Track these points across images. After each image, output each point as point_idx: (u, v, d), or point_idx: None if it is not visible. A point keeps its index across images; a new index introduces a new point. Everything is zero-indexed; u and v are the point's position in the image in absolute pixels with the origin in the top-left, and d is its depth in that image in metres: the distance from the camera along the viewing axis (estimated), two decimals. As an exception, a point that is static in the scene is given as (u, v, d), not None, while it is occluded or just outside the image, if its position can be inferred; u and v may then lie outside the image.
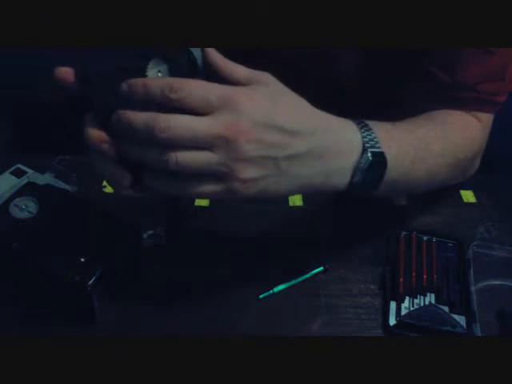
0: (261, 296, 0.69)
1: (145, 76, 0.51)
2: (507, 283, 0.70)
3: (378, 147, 0.57)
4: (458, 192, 0.82)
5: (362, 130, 0.57)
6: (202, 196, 0.52)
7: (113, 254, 0.64)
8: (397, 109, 0.76)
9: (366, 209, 0.78)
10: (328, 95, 0.79)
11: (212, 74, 0.52)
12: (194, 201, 0.79)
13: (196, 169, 0.49)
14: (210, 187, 0.51)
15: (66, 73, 0.53)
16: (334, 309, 0.68)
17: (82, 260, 0.62)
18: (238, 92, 0.50)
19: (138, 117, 0.49)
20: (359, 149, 0.56)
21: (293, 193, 0.56)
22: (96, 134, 0.51)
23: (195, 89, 0.49)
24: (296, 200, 0.80)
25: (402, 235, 0.73)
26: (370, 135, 0.57)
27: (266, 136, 0.50)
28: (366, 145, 0.56)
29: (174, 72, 0.52)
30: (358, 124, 0.58)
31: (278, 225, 0.77)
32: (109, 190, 0.80)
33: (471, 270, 0.69)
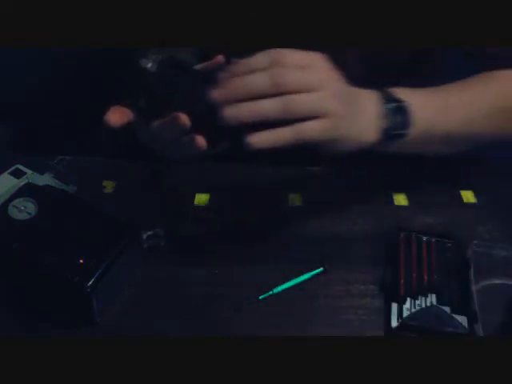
0: (260, 297, 0.68)
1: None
2: (508, 282, 0.70)
3: (395, 97, 0.65)
4: (459, 192, 0.82)
5: (377, 90, 0.65)
6: (305, 133, 0.58)
7: (112, 255, 0.64)
8: None
9: (366, 209, 0.78)
10: None
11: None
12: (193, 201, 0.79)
13: (308, 107, 0.58)
14: (312, 124, 0.58)
15: (115, 117, 0.60)
16: (334, 310, 0.68)
17: (82, 261, 0.62)
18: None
19: (260, 78, 0.57)
20: (378, 101, 0.64)
21: (355, 141, 0.63)
22: (169, 118, 0.59)
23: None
24: (296, 200, 0.80)
25: (402, 235, 0.73)
26: (385, 92, 0.65)
27: (342, 81, 0.61)
28: (382, 96, 0.65)
29: (157, 57, 0.61)
30: (373, 88, 0.66)
31: (277, 225, 0.77)
32: (108, 190, 0.80)
33: (471, 270, 0.69)
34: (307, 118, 0.58)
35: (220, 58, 0.61)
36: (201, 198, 0.79)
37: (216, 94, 0.57)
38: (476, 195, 0.81)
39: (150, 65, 0.60)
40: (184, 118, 0.58)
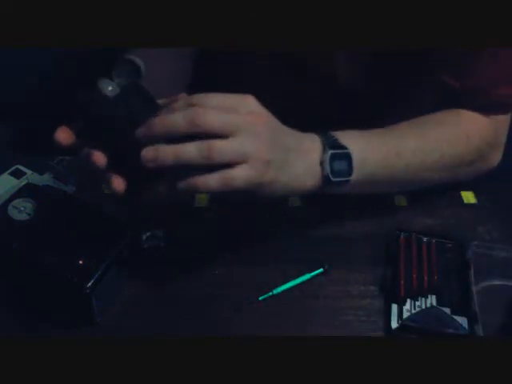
0: (260, 298, 0.68)
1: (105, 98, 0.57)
2: (508, 283, 0.70)
3: (338, 143, 0.65)
4: (459, 193, 0.82)
5: (321, 135, 0.65)
6: (232, 183, 0.57)
7: (112, 255, 0.64)
8: (399, 115, 0.77)
9: (366, 210, 0.78)
10: (330, 99, 0.80)
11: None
12: (193, 201, 0.79)
13: (228, 154, 0.56)
14: (238, 171, 0.57)
15: (64, 137, 0.58)
16: (334, 311, 0.68)
17: (81, 261, 0.62)
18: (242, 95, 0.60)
19: (178, 117, 0.56)
20: (320, 147, 0.64)
21: (288, 186, 0.62)
22: (86, 152, 0.58)
23: (210, 98, 0.58)
24: (296, 200, 0.79)
25: (402, 236, 0.73)
26: (328, 137, 0.65)
27: (274, 124, 0.61)
28: (325, 142, 0.65)
29: (122, 82, 0.59)
30: (318, 133, 0.66)
31: (277, 225, 0.77)
32: (108, 191, 0.80)
33: (471, 271, 0.69)
34: (230, 163, 0.57)
35: (183, 95, 0.60)
36: (201, 198, 0.79)
37: (138, 132, 0.57)
38: (476, 196, 0.81)
39: (110, 88, 0.57)
40: (98, 157, 0.56)
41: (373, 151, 0.68)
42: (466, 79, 0.72)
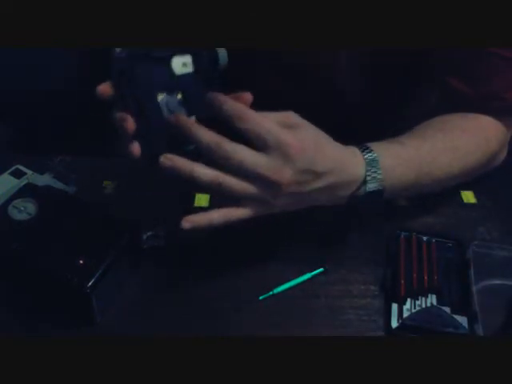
0: (261, 297, 0.68)
1: (169, 66, 0.60)
2: (508, 283, 0.70)
3: (379, 179, 0.64)
4: (459, 192, 0.82)
5: (367, 163, 0.64)
6: (232, 219, 0.62)
7: (112, 255, 0.64)
8: (403, 120, 0.77)
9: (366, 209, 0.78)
10: (331, 103, 0.80)
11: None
12: (193, 201, 0.79)
13: (235, 193, 0.59)
14: (239, 211, 0.62)
15: (105, 89, 0.60)
16: (334, 310, 0.68)
17: (82, 261, 0.62)
18: (291, 141, 0.58)
19: (208, 136, 0.58)
20: (361, 181, 0.64)
21: (299, 208, 0.65)
22: (120, 115, 0.59)
23: (259, 124, 0.58)
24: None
25: (402, 236, 0.73)
26: (373, 168, 0.64)
27: (301, 178, 0.60)
28: (368, 178, 0.64)
29: (197, 65, 0.61)
30: (365, 155, 0.64)
31: (277, 225, 0.76)
32: (108, 190, 0.80)
33: (471, 270, 0.69)
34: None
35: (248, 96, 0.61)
36: (201, 199, 0.79)
37: (170, 118, 0.59)
38: (476, 195, 0.81)
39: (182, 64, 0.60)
40: (129, 122, 0.59)
41: (406, 178, 0.67)
42: (480, 86, 0.72)
